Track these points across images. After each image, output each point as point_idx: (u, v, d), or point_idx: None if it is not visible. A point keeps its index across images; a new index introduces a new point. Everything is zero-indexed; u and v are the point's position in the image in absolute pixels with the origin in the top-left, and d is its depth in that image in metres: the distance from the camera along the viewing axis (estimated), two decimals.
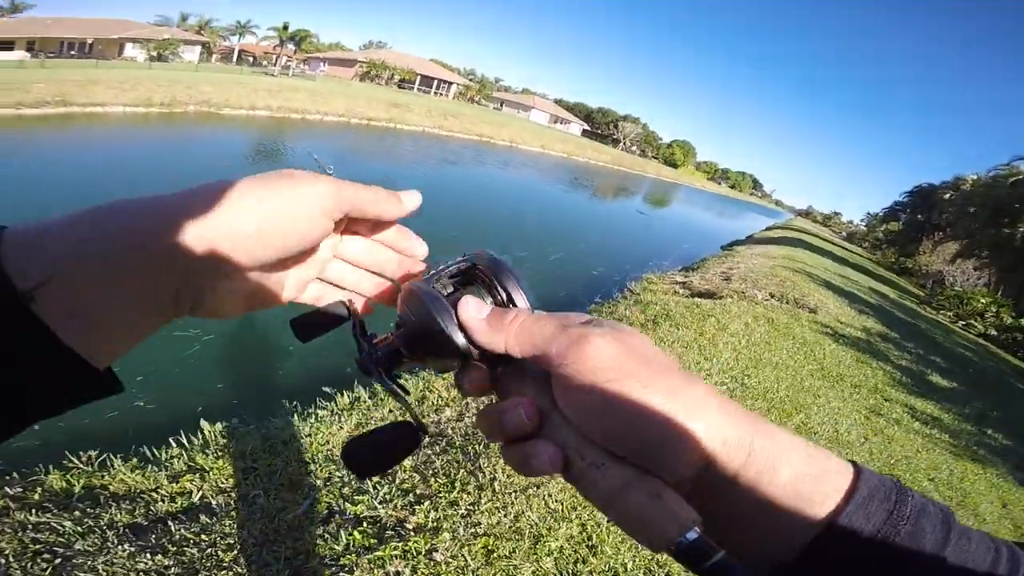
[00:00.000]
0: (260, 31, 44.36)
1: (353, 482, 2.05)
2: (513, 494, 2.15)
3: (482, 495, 2.10)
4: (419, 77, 48.35)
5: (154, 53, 31.74)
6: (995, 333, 13.58)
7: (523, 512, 2.07)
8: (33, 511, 1.75)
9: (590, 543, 2.04)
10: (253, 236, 0.28)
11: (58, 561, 1.57)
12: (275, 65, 38.38)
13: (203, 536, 1.73)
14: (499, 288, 0.35)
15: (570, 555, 1.96)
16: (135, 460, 2.14)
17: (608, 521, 2.12)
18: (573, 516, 2.13)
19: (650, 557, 2.06)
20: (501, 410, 0.29)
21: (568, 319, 0.30)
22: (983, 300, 15.29)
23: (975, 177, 23.47)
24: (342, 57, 47.81)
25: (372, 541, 1.79)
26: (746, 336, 5.07)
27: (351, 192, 0.32)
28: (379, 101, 25.46)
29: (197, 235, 0.26)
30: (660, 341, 4.17)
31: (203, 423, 2.37)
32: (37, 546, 1.60)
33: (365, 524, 1.86)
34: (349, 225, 0.36)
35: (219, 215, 0.26)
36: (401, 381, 0.36)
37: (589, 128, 73.25)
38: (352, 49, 56.65)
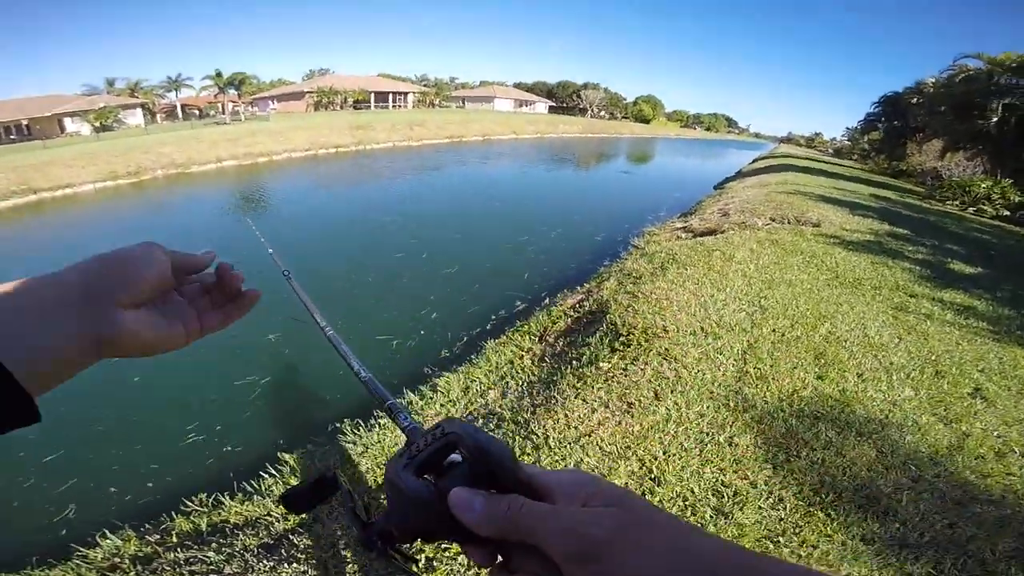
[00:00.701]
0: (195, 82, 44.00)
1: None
2: (569, 446, 2.20)
3: (541, 453, 2.16)
4: (372, 95, 47.87)
5: (97, 124, 31.30)
6: (1008, 213, 13.32)
7: (582, 460, 2.11)
8: (178, 550, 2.03)
9: (652, 475, 2.03)
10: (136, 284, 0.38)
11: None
12: (223, 113, 38.10)
13: (321, 541, 1.93)
14: (482, 467, 0.34)
15: (636, 488, 1.95)
16: (240, 495, 2.41)
17: (665, 453, 2.10)
18: (629, 454, 2.13)
19: (714, 480, 2.00)
20: None
21: (575, 497, 0.32)
22: (985, 184, 15.05)
23: (933, 80, 23.32)
24: (288, 92, 47.33)
25: None
26: (754, 261, 4.93)
27: (176, 258, 0.42)
28: (340, 127, 25.30)
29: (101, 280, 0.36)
30: (671, 284, 4.05)
31: (282, 454, 2.69)
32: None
33: None
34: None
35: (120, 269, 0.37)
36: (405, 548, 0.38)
37: (554, 104, 72.67)
38: (295, 81, 56.15)
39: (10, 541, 2.62)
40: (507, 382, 3.09)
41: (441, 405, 2.91)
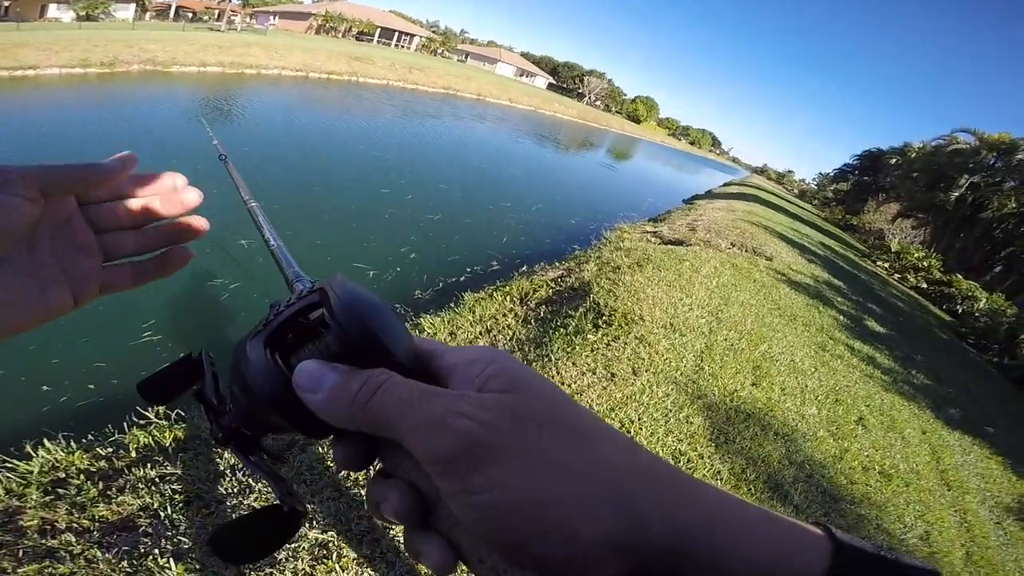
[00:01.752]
0: None
1: None
2: None
3: None
4: (379, 29, 45.89)
5: (82, 12, 28.71)
6: (925, 286, 14.89)
7: None
8: (142, 466, 1.88)
9: (628, 435, 2.54)
10: None
11: (211, 509, 1.78)
12: (219, 20, 35.49)
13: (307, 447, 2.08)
14: (353, 333, 0.26)
15: None
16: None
17: (639, 419, 2.66)
18: (612, 416, 2.66)
19: (674, 447, 2.62)
20: (377, 496, 0.25)
21: (470, 380, 0.24)
22: (918, 254, 16.65)
23: (920, 144, 25.15)
24: (293, 11, 44.75)
25: None
26: (716, 278, 5.66)
27: (54, 176, 0.28)
28: (339, 54, 24.28)
29: None
30: (647, 281, 4.67)
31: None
32: (180, 496, 1.78)
33: None
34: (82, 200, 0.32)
35: None
36: (270, 445, 0.30)
37: (555, 82, 72.13)
38: (304, 2, 52.82)
39: None
40: (495, 335, 3.54)
41: None
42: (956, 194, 17.24)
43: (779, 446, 3.06)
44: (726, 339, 4.15)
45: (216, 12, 40.41)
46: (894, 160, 27.27)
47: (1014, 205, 16.23)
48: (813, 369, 4.56)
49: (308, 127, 11.26)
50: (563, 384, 2.79)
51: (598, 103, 74.77)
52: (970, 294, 13.07)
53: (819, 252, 12.32)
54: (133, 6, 33.73)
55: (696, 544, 0.21)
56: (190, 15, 41.53)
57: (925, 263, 15.99)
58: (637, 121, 75.36)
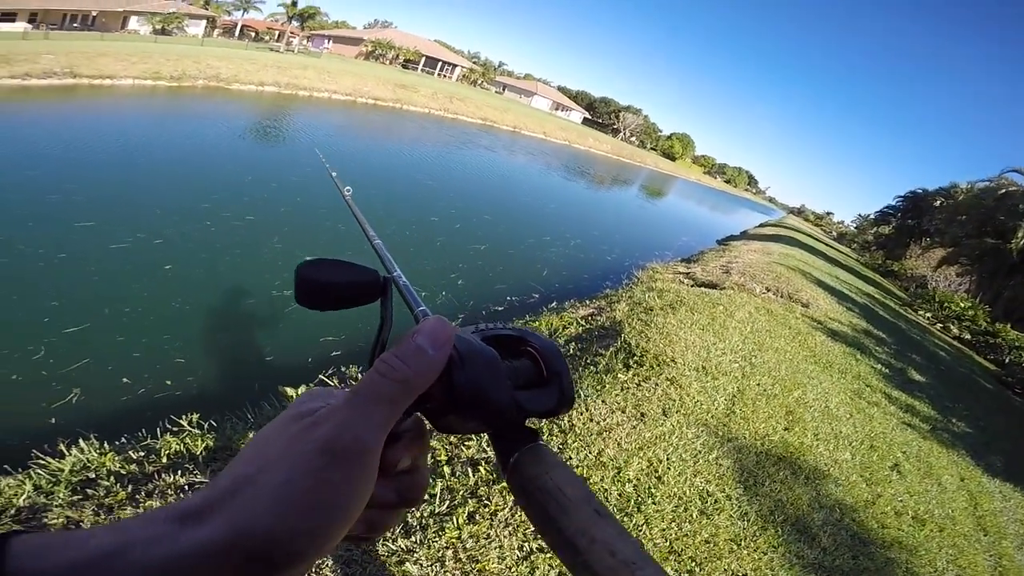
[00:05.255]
0: (265, 6, 43.74)
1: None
2: (591, 436, 2.72)
3: (568, 437, 2.67)
4: (424, 58, 48.03)
5: (159, 27, 31.32)
6: (968, 337, 14.32)
7: (603, 449, 2.66)
8: (176, 473, 1.95)
9: (656, 474, 2.64)
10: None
11: None
12: (279, 41, 37.97)
13: None
14: (546, 368, 0.36)
15: (644, 482, 2.55)
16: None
17: (668, 459, 2.72)
18: (640, 454, 2.73)
19: (702, 487, 2.67)
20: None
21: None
22: (961, 304, 16.02)
23: (967, 186, 24.24)
24: (346, 35, 47.54)
25: (491, 476, 2.29)
26: (750, 324, 5.66)
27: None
28: (386, 81, 25.52)
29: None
30: (680, 324, 4.74)
31: (285, 388, 2.94)
32: None
33: (481, 465, 2.36)
34: None
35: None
36: None
37: (590, 117, 73.33)
38: (356, 27, 56.08)
39: None
40: None
41: None
42: (1019, 242, 16.23)
43: (809, 490, 3.05)
44: (759, 384, 4.15)
45: (277, 33, 43.20)
46: (939, 202, 26.34)
47: None
48: (848, 416, 4.49)
49: (359, 150, 11.86)
50: (591, 420, 2.86)
51: (633, 139, 75.44)
52: (1017, 344, 12.47)
53: (857, 299, 12.04)
54: (204, 23, 36.45)
55: None
56: (253, 34, 44.55)
57: (970, 312, 15.38)
58: (672, 158, 75.56)
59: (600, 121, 74.81)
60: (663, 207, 25.22)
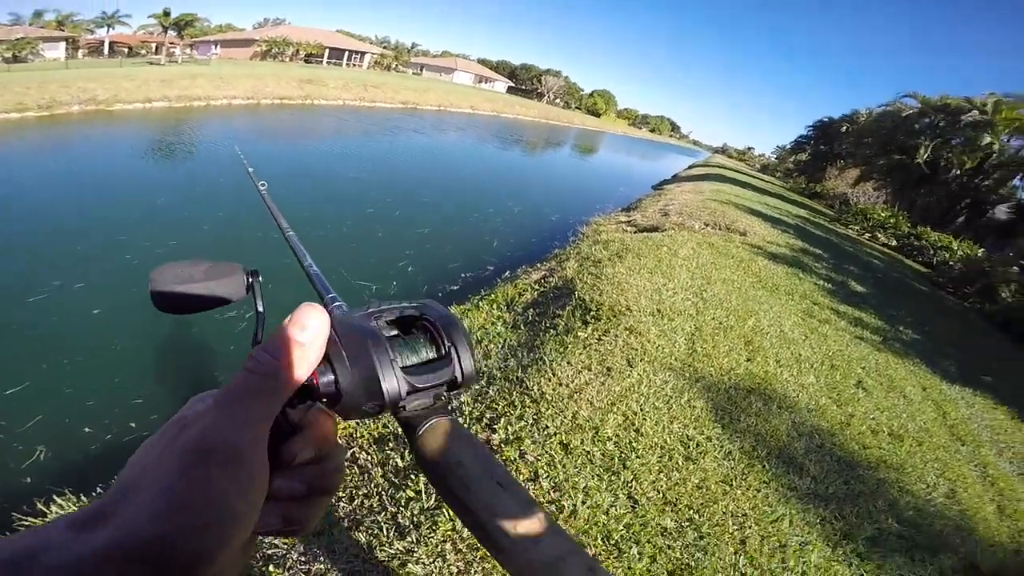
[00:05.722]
0: (136, 19, 39.57)
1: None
2: (563, 401, 2.56)
3: (540, 406, 2.49)
4: (328, 50, 45.31)
5: (8, 54, 27.85)
6: (895, 243, 15.34)
7: (577, 412, 2.48)
8: None
9: (634, 427, 2.49)
10: None
11: None
12: (157, 53, 34.71)
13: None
14: (444, 340, 0.34)
15: (623, 437, 2.40)
16: None
17: (642, 410, 2.55)
18: (614, 409, 2.57)
19: (681, 433, 2.52)
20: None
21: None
22: (883, 214, 17.18)
23: (867, 111, 26.04)
24: (235, 38, 43.81)
25: None
26: (695, 259, 5.62)
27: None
28: (289, 79, 23.86)
29: None
30: (629, 271, 4.59)
31: None
32: None
33: None
34: None
35: None
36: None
37: (513, 85, 72.48)
38: (245, 28, 52.11)
39: None
40: (487, 345, 3.44)
41: None
42: (922, 156, 17.67)
43: (784, 419, 2.98)
44: (714, 318, 4.07)
45: (154, 45, 39.39)
46: (844, 128, 28.12)
47: (968, 160, 16.93)
48: (804, 337, 4.49)
49: (275, 155, 10.99)
50: (560, 384, 2.67)
51: (558, 101, 75.34)
52: (941, 244, 13.38)
53: (790, 222, 12.48)
54: (63, 45, 32.73)
55: None
56: (126, 51, 40.34)
57: (892, 220, 16.44)
58: (597, 115, 76.17)
59: (524, 88, 74.03)
60: (596, 162, 25.35)
